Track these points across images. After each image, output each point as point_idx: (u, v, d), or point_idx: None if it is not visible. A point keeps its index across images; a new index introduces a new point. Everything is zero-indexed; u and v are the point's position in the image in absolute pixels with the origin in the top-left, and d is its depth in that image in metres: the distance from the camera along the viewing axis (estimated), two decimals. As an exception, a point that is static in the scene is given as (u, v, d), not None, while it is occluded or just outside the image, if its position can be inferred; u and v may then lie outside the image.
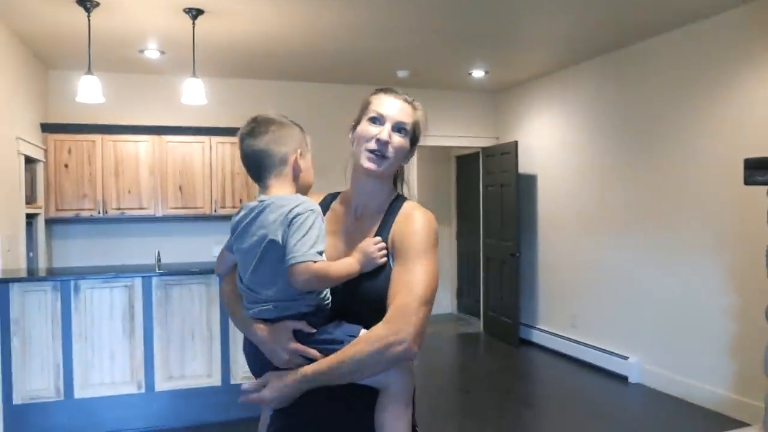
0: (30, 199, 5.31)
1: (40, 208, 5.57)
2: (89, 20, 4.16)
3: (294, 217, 1.38)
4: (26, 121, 5.17)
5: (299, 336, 1.40)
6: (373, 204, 1.58)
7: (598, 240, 5.74)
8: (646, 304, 5.14)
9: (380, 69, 6.12)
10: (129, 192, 5.90)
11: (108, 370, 4.23)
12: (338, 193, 1.70)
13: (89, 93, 4.18)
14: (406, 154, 1.61)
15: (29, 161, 5.26)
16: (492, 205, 7.17)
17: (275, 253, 1.40)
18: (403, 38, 5.11)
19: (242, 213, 1.49)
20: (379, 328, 1.34)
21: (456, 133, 7.30)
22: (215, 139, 6.06)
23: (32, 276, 4.31)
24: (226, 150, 6.12)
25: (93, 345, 4.21)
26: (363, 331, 1.39)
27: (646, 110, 5.18)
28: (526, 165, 6.78)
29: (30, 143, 5.15)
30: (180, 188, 6.05)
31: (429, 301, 1.38)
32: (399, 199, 1.59)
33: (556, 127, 6.40)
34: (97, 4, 4.08)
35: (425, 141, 6.39)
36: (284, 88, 6.56)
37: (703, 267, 4.60)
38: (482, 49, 5.54)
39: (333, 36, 4.98)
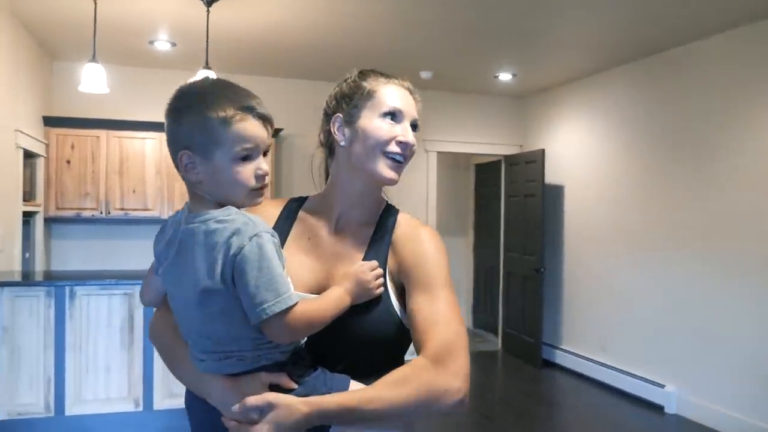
0: (28, 196, 4.99)
1: (39, 206, 5.24)
2: (95, 5, 3.84)
3: (236, 257, 1.03)
4: (27, 113, 4.85)
5: (275, 391, 1.08)
6: (359, 214, 1.32)
7: (631, 257, 5.36)
8: (685, 328, 4.76)
9: (402, 69, 5.70)
10: (134, 191, 5.56)
11: (103, 386, 3.89)
12: (304, 198, 1.39)
13: (93, 82, 3.85)
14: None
15: (29, 155, 4.94)
16: (514, 216, 6.80)
17: (220, 302, 1.06)
18: (427, 36, 4.78)
19: (166, 235, 1.14)
20: (431, 370, 1.09)
21: (477, 139, 6.95)
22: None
23: (24, 280, 3.97)
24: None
25: (87, 357, 3.87)
26: (353, 383, 1.14)
27: (684, 119, 4.82)
28: (552, 175, 6.42)
29: (30, 136, 4.83)
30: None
31: (468, 341, 1.18)
32: (390, 210, 1.35)
33: (586, 136, 6.04)
34: (105, -12, 3.76)
35: (445, 146, 5.97)
36: (301, 87, 6.23)
37: (747, 290, 4.22)
38: (510, 50, 5.21)
39: (354, 32, 4.65)
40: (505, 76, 6.04)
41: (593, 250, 5.86)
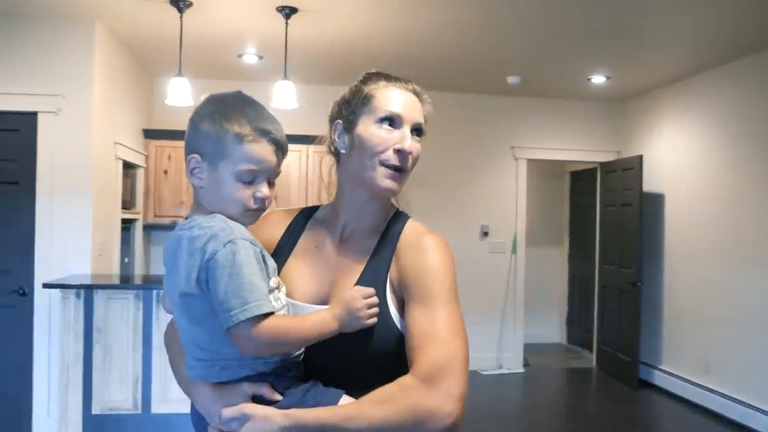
0: (129, 204, 5.31)
1: (139, 213, 5.57)
2: (181, 21, 4.03)
3: (209, 261, 1.02)
4: (127, 126, 5.17)
5: (259, 403, 1.07)
6: (365, 223, 1.26)
7: (738, 271, 4.90)
8: (801, 352, 4.29)
9: (488, 75, 5.65)
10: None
11: (186, 386, 4.03)
12: (315, 207, 1.36)
13: (179, 95, 4.05)
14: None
15: (129, 166, 5.26)
16: (611, 226, 6.44)
17: (198, 306, 1.05)
18: (512, 40, 4.63)
19: (168, 242, 1.15)
20: (418, 390, 1.03)
21: (571, 146, 6.66)
22: (312, 148, 5.84)
23: (117, 283, 4.21)
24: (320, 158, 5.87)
25: (172, 358, 4.03)
26: (344, 398, 1.09)
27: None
28: (651, 183, 6.02)
29: (129, 148, 5.14)
30: (275, 198, 5.86)
31: (468, 360, 1.09)
32: (399, 217, 1.28)
33: (689, 141, 5.61)
34: (190, 4, 3.93)
35: (537, 154, 5.75)
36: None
37: None
38: (603, 51, 4.94)
39: (436, 38, 4.59)
40: (598, 79, 5.75)
41: (696, 263, 5.42)
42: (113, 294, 3.98)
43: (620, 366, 6.14)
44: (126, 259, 5.33)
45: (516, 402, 5.71)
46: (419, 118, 1.24)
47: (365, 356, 1.15)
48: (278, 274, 1.22)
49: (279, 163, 1.15)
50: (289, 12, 4.01)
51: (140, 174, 5.58)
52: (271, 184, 1.15)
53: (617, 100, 6.63)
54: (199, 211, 1.14)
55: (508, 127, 6.51)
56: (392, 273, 1.19)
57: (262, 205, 1.13)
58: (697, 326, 5.38)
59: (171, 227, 5.00)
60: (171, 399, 4.02)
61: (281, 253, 1.29)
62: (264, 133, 1.11)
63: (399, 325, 1.17)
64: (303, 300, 1.21)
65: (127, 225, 5.30)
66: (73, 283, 3.89)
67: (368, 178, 1.21)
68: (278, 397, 1.09)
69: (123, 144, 4.95)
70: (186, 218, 1.16)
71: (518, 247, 6.54)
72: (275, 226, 1.33)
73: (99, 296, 3.95)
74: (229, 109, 1.12)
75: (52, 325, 4.19)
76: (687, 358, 5.50)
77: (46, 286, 3.91)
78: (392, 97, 1.22)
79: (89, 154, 4.29)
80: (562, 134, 6.62)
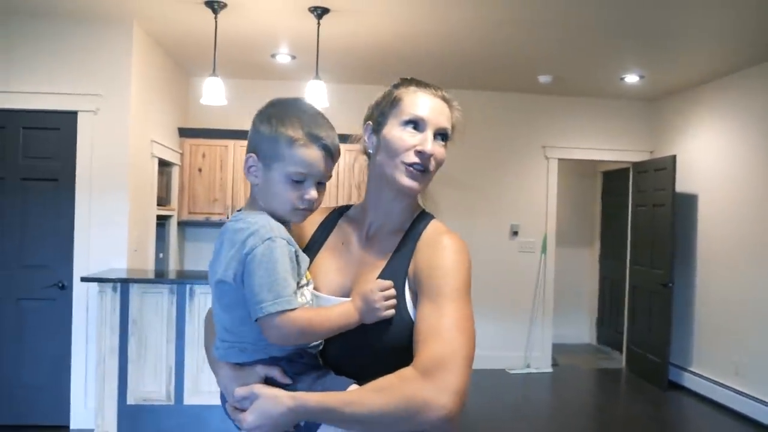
0: (164, 201, 5.44)
1: (174, 210, 5.70)
2: (216, 22, 4.12)
3: (247, 255, 1.11)
4: (163, 124, 5.30)
5: (272, 385, 1.16)
6: (391, 222, 1.32)
7: (773, 274, 4.82)
8: (838, 358, 4.20)
9: (519, 74, 5.64)
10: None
11: (217, 379, 4.13)
12: (347, 206, 1.44)
13: (213, 95, 4.14)
14: (442, 164, 1.32)
15: (165, 164, 5.39)
16: (642, 227, 6.37)
17: (228, 294, 1.16)
18: (544, 39, 4.61)
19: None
20: (414, 381, 1.07)
21: (603, 145, 6.60)
22: (344, 146, 5.87)
23: (152, 278, 4.33)
24: (352, 158, 5.92)
25: (204, 352, 4.12)
26: (353, 386, 1.14)
27: None
28: (684, 183, 5.94)
29: (165, 147, 5.27)
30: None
31: (472, 359, 1.12)
32: (423, 217, 1.33)
33: (724, 141, 5.52)
34: (225, 5, 4.02)
35: (568, 153, 5.69)
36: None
37: None
38: (637, 50, 4.88)
39: (467, 36, 4.60)
40: (631, 78, 5.68)
41: (729, 266, 5.34)
42: (148, 288, 4.10)
43: (650, 367, 6.08)
44: (161, 255, 5.46)
45: (544, 401, 5.69)
46: (444, 123, 1.28)
47: (381, 347, 1.20)
48: (308, 268, 1.28)
49: (329, 168, 1.21)
50: (321, 12, 4.07)
51: (175, 171, 5.71)
52: (321, 185, 1.22)
53: (650, 100, 6.55)
54: (253, 206, 1.23)
55: (539, 126, 6.48)
56: (410, 269, 1.24)
57: (309, 206, 1.21)
58: (727, 328, 5.30)
59: (204, 224, 5.16)
60: (202, 391, 4.12)
61: (312, 248, 1.36)
62: (315, 139, 1.18)
63: (413, 318, 1.21)
64: (328, 293, 1.27)
65: (162, 221, 5.43)
66: (110, 277, 4.02)
67: (390, 177, 1.26)
68: (288, 380, 1.16)
69: (159, 142, 5.08)
70: (239, 211, 1.25)
71: (548, 247, 6.52)
72: (309, 223, 1.39)
73: (134, 290, 4.07)
74: (286, 114, 1.20)
75: (89, 318, 4.34)
76: (717, 361, 5.43)
77: (84, 279, 4.04)
78: (419, 102, 1.27)
79: (126, 152, 4.42)
80: (593, 134, 6.56)
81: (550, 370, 6.45)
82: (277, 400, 1.11)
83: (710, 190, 5.68)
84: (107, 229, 4.40)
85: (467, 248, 1.25)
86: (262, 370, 1.18)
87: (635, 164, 6.58)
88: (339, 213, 1.42)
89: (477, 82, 5.90)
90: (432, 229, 1.29)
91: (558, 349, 6.95)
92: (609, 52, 4.95)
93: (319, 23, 4.15)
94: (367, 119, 1.34)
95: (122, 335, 4.06)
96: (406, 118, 1.26)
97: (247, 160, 1.21)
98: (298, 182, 1.18)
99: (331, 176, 1.24)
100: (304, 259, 1.23)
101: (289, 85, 6.03)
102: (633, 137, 6.63)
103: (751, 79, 5.17)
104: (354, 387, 1.15)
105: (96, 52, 4.37)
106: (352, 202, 1.46)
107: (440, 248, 1.22)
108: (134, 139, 4.52)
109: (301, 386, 1.16)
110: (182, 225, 6.00)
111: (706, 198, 5.74)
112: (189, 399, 4.11)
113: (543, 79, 5.73)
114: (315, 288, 1.28)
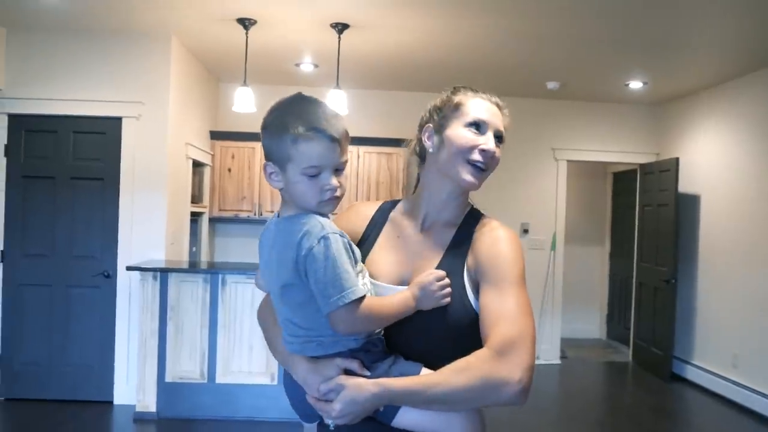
0: (197, 199, 5.88)
1: (205, 207, 6.14)
2: (247, 37, 4.53)
3: (306, 257, 1.17)
4: (197, 128, 5.74)
5: (349, 375, 1.23)
6: (445, 217, 1.42)
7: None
8: (824, 348, 4.47)
9: (528, 80, 5.97)
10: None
11: (246, 360, 4.55)
12: (397, 201, 1.54)
13: (244, 103, 4.56)
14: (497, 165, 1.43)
15: (198, 165, 5.83)
16: (648, 226, 6.67)
17: (297, 294, 1.22)
18: (553, 47, 4.91)
19: (263, 234, 1.32)
20: (492, 361, 1.18)
21: (611, 148, 6.89)
22: (362, 149, 6.28)
23: (187, 267, 4.76)
24: (372, 159, 6.31)
25: (234, 335, 4.55)
26: (424, 369, 1.24)
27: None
28: (688, 184, 6.22)
29: (198, 149, 5.71)
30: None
31: (535, 337, 1.24)
32: (475, 213, 1.45)
33: (726, 144, 5.79)
34: (255, 22, 4.43)
35: (577, 155, 6.07)
36: (426, 99, 6.58)
37: None
38: (641, 57, 5.16)
39: (478, 46, 4.94)
40: (635, 84, 5.98)
41: (729, 263, 5.61)
42: (185, 277, 4.54)
43: (654, 360, 6.37)
44: (194, 249, 5.91)
45: (551, 392, 6.01)
46: (501, 126, 1.40)
47: (442, 331, 1.29)
48: (363, 261, 1.34)
49: (340, 154, 1.22)
50: (341, 28, 4.45)
51: (207, 172, 6.15)
52: (339, 171, 1.23)
53: (655, 104, 6.83)
54: (289, 207, 1.27)
55: (549, 130, 6.80)
56: (469, 261, 1.34)
57: (334, 195, 1.23)
58: (727, 323, 5.58)
59: (233, 220, 5.67)
60: (232, 371, 4.55)
61: (366, 241, 1.43)
62: (318, 131, 1.19)
63: (474, 306, 1.31)
64: (386, 281, 1.35)
65: (195, 218, 5.87)
66: (151, 267, 4.46)
67: (453, 173, 1.36)
68: (367, 372, 1.22)
69: (193, 144, 5.52)
70: (277, 214, 1.30)
71: (557, 245, 6.83)
72: (361, 218, 1.49)
73: (172, 279, 4.51)
74: (285, 115, 1.22)
75: (131, 304, 4.78)
76: (717, 354, 5.70)
77: (129, 268, 4.49)
78: (479, 106, 1.39)
79: (165, 154, 4.86)
80: (601, 136, 6.86)
81: (558, 362, 6.76)
82: (362, 388, 1.18)
83: (712, 190, 5.95)
84: (147, 224, 4.84)
85: (519, 240, 1.37)
86: (342, 363, 1.22)
87: (642, 166, 6.87)
88: (389, 208, 1.50)
89: (488, 88, 6.14)
90: (486, 224, 1.39)
91: (569, 344, 7.26)
92: (613, 60, 5.24)
93: (339, 38, 4.54)
94: (426, 122, 1.44)
95: (161, 320, 4.50)
96: (470, 120, 1.37)
97: (265, 168, 1.24)
98: (314, 176, 1.20)
99: (347, 160, 1.25)
100: (356, 248, 1.28)
101: (312, 90, 6.34)
102: (639, 140, 6.92)
103: (751, 85, 5.44)
104: (425, 370, 1.23)
105: (138, 64, 4.82)
106: (398, 198, 1.56)
107: (498, 240, 1.33)
108: (171, 143, 4.96)
109: (377, 373, 1.22)
110: (213, 221, 6.44)
111: (708, 198, 6.02)
112: (221, 378, 4.54)
113: (551, 85, 6.06)
114: (373, 278, 1.33)
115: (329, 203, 1.23)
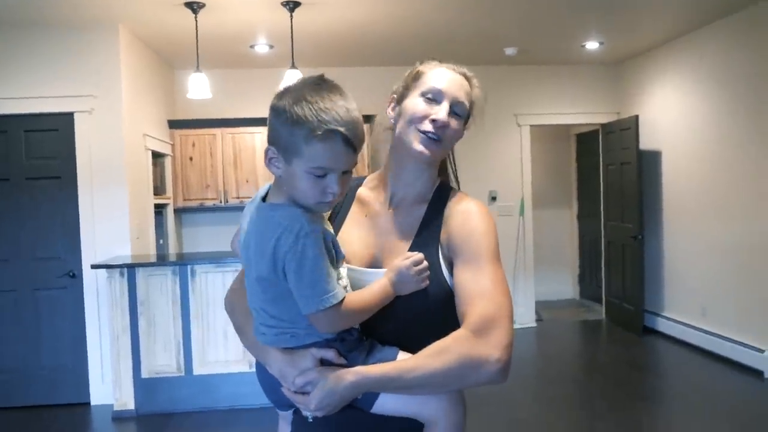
0: (159, 191, 5.77)
1: (169, 198, 6.04)
2: (196, 21, 4.42)
3: (285, 255, 1.11)
4: (154, 118, 5.61)
5: (326, 365, 1.20)
6: (413, 193, 1.37)
7: (731, 221, 5.19)
8: (786, 292, 4.60)
9: (486, 48, 5.94)
10: (247, 181, 6.22)
11: (222, 349, 4.52)
12: (363, 177, 1.47)
13: (198, 89, 4.46)
14: (458, 139, 1.37)
15: (157, 155, 5.71)
16: (612, 185, 6.76)
17: (273, 288, 1.17)
18: (507, 12, 4.87)
19: (249, 203, 1.27)
20: (470, 341, 1.16)
21: (573, 110, 6.93)
22: (325, 127, 6.20)
23: (155, 261, 4.68)
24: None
25: (208, 325, 4.50)
26: (401, 354, 1.21)
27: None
28: (649, 141, 6.30)
29: (157, 139, 5.59)
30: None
31: (513, 314, 1.22)
32: (444, 188, 1.39)
33: (684, 99, 5.86)
34: (203, 5, 4.31)
35: (539, 119, 6.04)
36: (384, 74, 6.46)
37: None
38: (596, 19, 5.18)
39: (431, 17, 4.89)
40: (592, 45, 5.99)
41: (693, 216, 5.72)
42: (153, 271, 4.47)
43: (626, 315, 6.50)
44: (161, 241, 5.82)
45: (528, 355, 6.10)
46: (461, 97, 1.33)
47: (419, 311, 1.25)
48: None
49: (352, 159, 1.15)
50: (293, 6, 4.37)
51: (168, 162, 6.04)
52: (346, 174, 1.17)
53: (613, 63, 6.87)
54: (280, 193, 1.20)
55: (510, 96, 6.80)
56: (442, 236, 1.30)
57: (331, 198, 1.17)
58: (694, 275, 5.71)
59: (200, 209, 5.57)
60: (209, 361, 4.52)
61: (333, 221, 1.37)
62: (333, 132, 1.10)
63: (450, 283, 1.27)
64: (360, 265, 1.30)
65: (159, 210, 5.77)
66: (117, 263, 4.38)
67: (406, 143, 1.31)
68: (344, 361, 1.19)
69: (151, 135, 5.40)
70: (268, 195, 1.23)
71: (525, 210, 6.88)
72: None
73: (140, 274, 4.44)
74: (303, 103, 1.11)
75: (100, 302, 4.69)
76: (686, 305, 5.85)
77: (94, 267, 4.41)
78: (438, 75, 1.34)
79: (122, 146, 4.74)
80: (562, 99, 6.89)
81: (534, 324, 6.87)
82: (339, 378, 1.15)
83: (672, 146, 6.04)
84: (110, 220, 4.74)
85: (490, 213, 1.33)
86: (317, 353, 1.19)
87: (603, 126, 6.93)
88: (355, 185, 1.44)
89: (446, 58, 6.13)
90: (457, 199, 1.35)
91: (543, 306, 7.38)
92: (569, 22, 5.24)
93: (291, 15, 4.45)
94: (392, 94, 1.41)
95: (132, 315, 4.43)
96: (424, 89, 1.32)
97: (266, 152, 1.16)
98: (320, 177, 1.13)
99: (356, 163, 1.18)
100: (340, 247, 1.22)
101: (269, 72, 6.33)
102: (599, 100, 6.97)
103: (705, 38, 5.48)
104: (402, 355, 1.19)
105: (87, 56, 4.67)
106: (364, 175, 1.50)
107: (470, 215, 1.30)
108: (128, 135, 4.84)
109: (354, 362, 1.19)
110: (178, 212, 6.34)
111: (669, 153, 6.11)
112: (198, 369, 4.51)
113: (509, 51, 6.04)
114: (346, 261, 1.26)
115: (326, 205, 1.19)
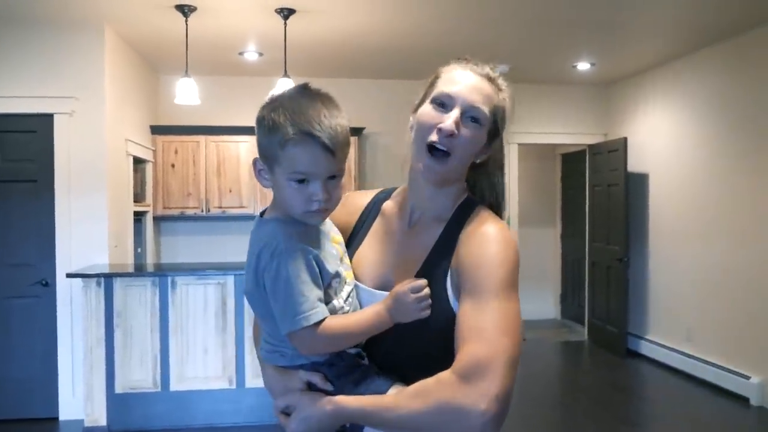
0: (139, 198, 5.59)
1: (149, 206, 5.86)
2: (187, 25, 4.29)
3: (264, 271, 1.09)
4: (136, 123, 5.45)
5: (314, 388, 1.16)
6: (431, 210, 1.23)
7: (718, 246, 5.19)
8: (773, 319, 4.59)
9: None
10: (230, 191, 6.07)
11: (201, 365, 4.35)
12: (392, 190, 1.34)
13: (186, 95, 4.32)
14: (480, 150, 1.20)
15: (139, 161, 5.54)
16: (598, 205, 6.74)
17: (259, 304, 1.15)
18: (500, 31, 4.87)
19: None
20: (453, 386, 1.00)
21: (560, 129, 6.93)
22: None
23: (133, 271, 4.51)
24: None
25: (188, 339, 4.33)
26: (394, 387, 1.11)
27: (775, 101, 4.62)
28: (636, 163, 6.30)
29: (139, 144, 5.42)
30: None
31: (516, 360, 1.04)
32: (467, 206, 1.22)
33: (672, 123, 5.88)
34: (194, 9, 4.19)
35: (527, 138, 5.93)
36: (377, 86, 6.47)
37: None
38: (588, 40, 5.19)
39: (426, 30, 4.83)
40: (583, 66, 6.00)
41: (679, 239, 5.72)
42: (131, 281, 4.29)
43: (609, 337, 6.47)
44: (139, 249, 5.63)
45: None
46: (475, 101, 1.16)
47: (422, 341, 1.15)
48: (351, 260, 1.24)
49: (334, 162, 1.09)
50: (287, 13, 4.27)
51: (149, 168, 5.86)
52: (333, 179, 1.11)
53: (603, 85, 6.89)
54: (273, 206, 1.18)
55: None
56: (453, 262, 1.16)
57: (321, 206, 1.11)
58: (679, 299, 5.69)
59: (180, 218, 5.38)
60: (188, 377, 4.34)
61: (356, 237, 1.30)
62: (308, 135, 1.06)
63: (456, 311, 1.14)
64: (370, 285, 1.22)
65: (138, 217, 5.59)
66: (94, 273, 4.19)
67: (412, 159, 1.19)
68: (330, 386, 1.14)
69: (133, 140, 5.23)
70: (262, 213, 1.21)
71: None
72: (352, 210, 1.33)
73: (118, 284, 4.25)
74: (279, 110, 1.09)
75: (74, 312, 4.49)
76: (671, 329, 5.82)
77: (69, 275, 4.21)
78: (451, 78, 1.18)
79: (103, 151, 4.57)
80: (550, 118, 6.88)
81: (517, 344, 6.78)
82: (316, 406, 1.10)
83: (660, 169, 6.05)
84: (87, 227, 4.55)
85: (512, 238, 1.16)
86: (304, 376, 1.15)
87: (591, 146, 6.93)
88: (383, 198, 1.33)
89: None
90: (478, 219, 1.18)
91: (525, 325, 7.29)
92: (561, 42, 5.25)
93: (285, 23, 4.35)
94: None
95: (108, 327, 4.24)
96: (435, 94, 1.17)
97: (255, 165, 1.13)
98: (302, 183, 1.09)
99: (342, 168, 1.12)
100: (332, 256, 1.16)
101: (258, 81, 6.21)
102: (588, 121, 6.98)
103: (694, 64, 5.51)
104: (395, 388, 1.11)
105: (70, 56, 4.50)
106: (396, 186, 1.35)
107: (486, 240, 1.13)
108: (110, 139, 4.67)
109: (342, 387, 1.14)
110: (158, 220, 6.16)
111: (656, 177, 6.12)
112: (175, 385, 4.32)
113: (500, 68, 5.98)
114: (358, 279, 1.21)
115: (316, 215, 1.13)
